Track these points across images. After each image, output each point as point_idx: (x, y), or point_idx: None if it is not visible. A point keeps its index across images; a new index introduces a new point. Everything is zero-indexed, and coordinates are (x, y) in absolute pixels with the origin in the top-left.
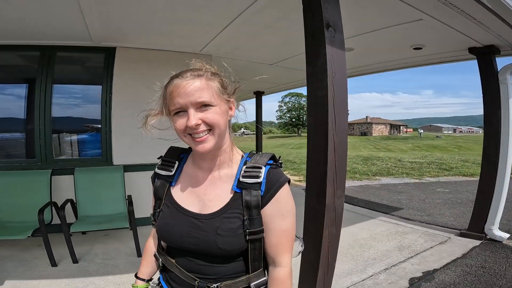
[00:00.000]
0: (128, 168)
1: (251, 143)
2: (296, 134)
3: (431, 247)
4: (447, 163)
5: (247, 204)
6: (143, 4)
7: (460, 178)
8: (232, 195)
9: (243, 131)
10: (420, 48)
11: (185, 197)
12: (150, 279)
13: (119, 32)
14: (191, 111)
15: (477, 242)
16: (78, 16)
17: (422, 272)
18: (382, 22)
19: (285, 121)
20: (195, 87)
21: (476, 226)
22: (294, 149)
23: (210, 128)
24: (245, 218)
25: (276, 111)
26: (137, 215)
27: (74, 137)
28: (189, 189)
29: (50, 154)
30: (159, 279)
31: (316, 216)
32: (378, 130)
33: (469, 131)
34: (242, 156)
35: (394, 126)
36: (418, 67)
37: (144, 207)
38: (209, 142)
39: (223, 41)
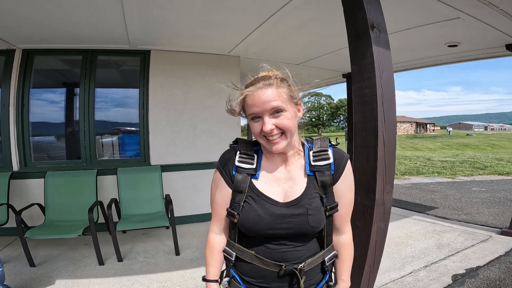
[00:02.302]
0: (164, 168)
1: None
2: (317, 134)
3: (472, 245)
4: (480, 161)
5: (323, 183)
6: (181, 8)
7: (496, 177)
8: (307, 178)
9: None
10: (455, 46)
11: (269, 187)
12: (221, 280)
13: (155, 36)
14: (266, 118)
15: None
16: (120, 19)
17: (465, 269)
18: (418, 20)
19: (305, 121)
20: (268, 96)
21: None
22: None
23: (282, 132)
24: (322, 196)
25: None
26: (174, 214)
27: (114, 139)
28: (271, 181)
29: (94, 155)
30: (228, 275)
31: (365, 211)
32: (403, 129)
33: (502, 129)
34: (303, 143)
35: (420, 125)
36: (451, 64)
37: (180, 206)
38: (281, 144)
39: (252, 43)
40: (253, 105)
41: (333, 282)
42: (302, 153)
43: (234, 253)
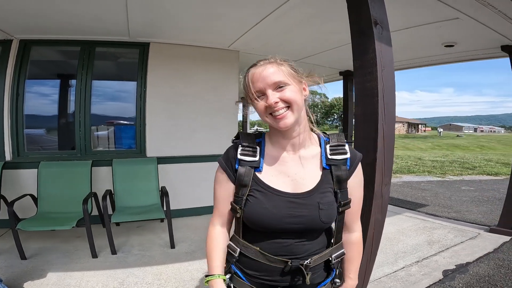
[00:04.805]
0: (160, 160)
1: None
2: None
3: (461, 242)
4: (469, 162)
5: (339, 178)
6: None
7: (485, 177)
8: (321, 171)
9: (257, 129)
10: (452, 46)
11: (276, 179)
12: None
13: (155, 28)
14: (269, 92)
15: (507, 238)
16: (123, 10)
17: (455, 265)
18: (417, 20)
19: None
20: (269, 71)
21: (506, 222)
22: None
23: (288, 106)
24: (337, 191)
25: None
26: (171, 206)
27: (110, 130)
28: (278, 171)
29: (89, 146)
30: (230, 271)
31: (363, 203)
32: (395, 129)
33: (491, 131)
34: (319, 136)
35: (412, 125)
36: (446, 64)
37: (176, 199)
38: (289, 118)
39: (253, 37)
40: (256, 80)
41: (340, 282)
42: (317, 144)
43: (238, 249)
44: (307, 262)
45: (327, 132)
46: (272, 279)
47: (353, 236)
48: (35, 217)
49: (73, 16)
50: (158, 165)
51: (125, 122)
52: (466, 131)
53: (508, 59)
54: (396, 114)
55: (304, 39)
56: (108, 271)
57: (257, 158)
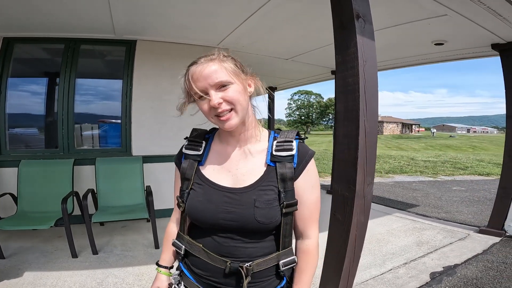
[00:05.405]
0: (146, 159)
1: None
2: (305, 132)
3: (450, 243)
4: (461, 162)
5: (283, 176)
6: None
7: (476, 177)
8: (265, 168)
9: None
10: (442, 44)
11: (216, 173)
12: (172, 267)
13: (142, 25)
14: (212, 92)
15: (497, 239)
16: (105, 7)
17: (443, 267)
18: (405, 17)
19: (294, 118)
20: (210, 69)
21: (496, 223)
22: None
23: (232, 108)
24: (280, 190)
25: (285, 108)
26: (155, 206)
27: (95, 128)
28: (220, 165)
29: (72, 144)
30: (179, 267)
31: (345, 203)
32: (389, 129)
33: (484, 131)
34: (269, 132)
35: (406, 125)
36: (437, 63)
37: (162, 198)
38: (234, 119)
39: (242, 34)
40: (196, 80)
41: None
42: (265, 141)
43: (183, 246)
44: (247, 266)
45: (282, 129)
46: (217, 280)
47: (306, 243)
48: (14, 216)
49: (52, 12)
50: (144, 164)
51: (117, 120)
52: (459, 132)
53: (499, 57)
54: (391, 115)
55: (294, 37)
56: (87, 271)
57: (200, 152)
